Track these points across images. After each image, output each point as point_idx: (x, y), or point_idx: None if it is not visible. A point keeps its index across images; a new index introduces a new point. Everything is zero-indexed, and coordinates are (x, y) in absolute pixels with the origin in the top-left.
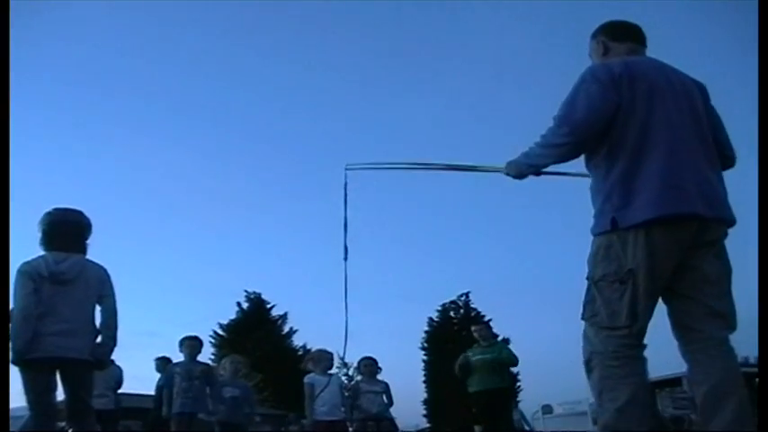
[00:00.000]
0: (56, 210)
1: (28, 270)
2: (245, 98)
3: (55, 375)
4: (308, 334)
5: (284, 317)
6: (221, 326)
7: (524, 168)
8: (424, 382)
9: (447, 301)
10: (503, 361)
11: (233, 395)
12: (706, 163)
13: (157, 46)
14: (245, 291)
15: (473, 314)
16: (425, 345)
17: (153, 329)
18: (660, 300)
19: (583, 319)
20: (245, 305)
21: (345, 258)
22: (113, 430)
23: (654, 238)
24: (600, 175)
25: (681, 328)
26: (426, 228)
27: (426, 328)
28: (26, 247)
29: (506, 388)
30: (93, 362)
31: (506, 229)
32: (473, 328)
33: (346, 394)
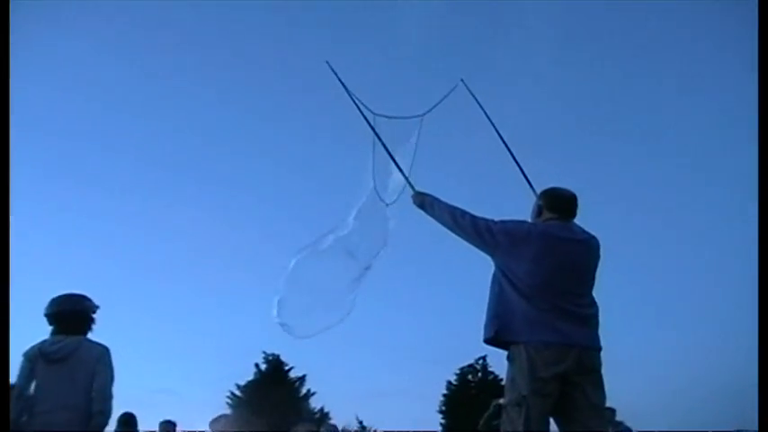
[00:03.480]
0: (58, 298)
1: (27, 352)
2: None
3: None
4: (325, 397)
5: (302, 379)
6: (238, 386)
7: (419, 205)
8: None
9: (465, 364)
10: None
11: None
12: (579, 302)
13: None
14: (264, 352)
15: (491, 378)
16: (443, 408)
17: (169, 387)
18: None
19: None
20: (263, 366)
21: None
22: None
23: (533, 357)
24: (495, 291)
25: None
26: (443, 289)
27: (444, 392)
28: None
29: None
30: None
31: None
32: None
33: None
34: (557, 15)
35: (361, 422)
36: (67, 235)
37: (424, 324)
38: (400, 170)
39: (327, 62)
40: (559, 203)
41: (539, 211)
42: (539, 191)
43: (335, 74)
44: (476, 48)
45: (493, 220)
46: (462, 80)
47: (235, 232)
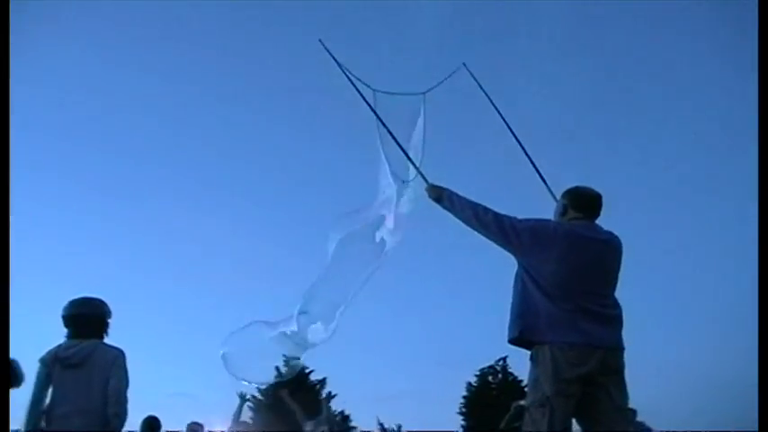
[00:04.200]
0: (76, 300)
1: (44, 357)
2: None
3: None
4: (345, 399)
5: (323, 382)
6: (258, 390)
7: (436, 199)
8: None
9: (485, 365)
10: None
11: None
12: (603, 302)
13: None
14: (284, 355)
15: (511, 379)
16: (463, 410)
17: (187, 391)
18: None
19: None
20: (283, 369)
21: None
22: None
23: (557, 358)
24: (518, 290)
25: None
26: (462, 289)
27: (465, 393)
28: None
29: None
30: None
31: None
32: None
33: None
34: (559, 17)
35: (381, 424)
36: (75, 238)
37: (444, 325)
38: (408, 158)
39: (320, 40)
40: (585, 203)
41: (563, 210)
42: (543, 174)
43: (329, 51)
44: (479, 47)
45: (517, 218)
46: (464, 64)
47: (252, 236)
